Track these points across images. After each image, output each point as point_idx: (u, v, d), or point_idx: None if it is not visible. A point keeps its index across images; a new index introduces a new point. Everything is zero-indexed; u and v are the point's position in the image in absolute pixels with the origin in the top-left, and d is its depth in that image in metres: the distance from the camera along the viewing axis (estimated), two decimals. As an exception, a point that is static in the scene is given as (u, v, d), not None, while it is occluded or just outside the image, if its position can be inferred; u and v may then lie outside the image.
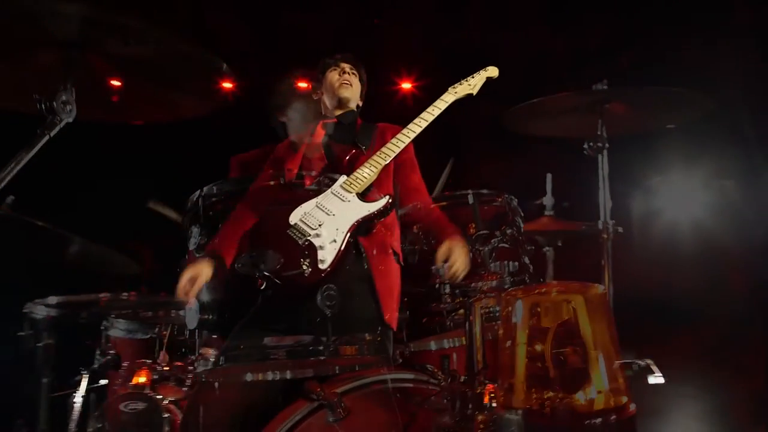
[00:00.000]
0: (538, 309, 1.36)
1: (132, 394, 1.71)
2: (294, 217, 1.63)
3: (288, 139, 2.60)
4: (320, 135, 2.30)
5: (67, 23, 1.55)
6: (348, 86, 2.27)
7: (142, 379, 1.71)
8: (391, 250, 1.86)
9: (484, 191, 1.98)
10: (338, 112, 2.26)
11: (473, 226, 1.85)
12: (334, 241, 1.61)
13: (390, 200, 1.71)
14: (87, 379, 1.84)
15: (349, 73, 2.31)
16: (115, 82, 1.80)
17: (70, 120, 1.65)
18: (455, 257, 1.75)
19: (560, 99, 2.32)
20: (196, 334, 1.61)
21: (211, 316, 1.58)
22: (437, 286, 1.67)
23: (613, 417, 1.26)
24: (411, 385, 1.98)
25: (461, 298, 1.63)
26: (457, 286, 1.64)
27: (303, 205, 1.66)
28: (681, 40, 3.20)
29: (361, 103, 2.35)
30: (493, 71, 2.14)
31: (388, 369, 1.92)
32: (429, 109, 2.02)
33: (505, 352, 1.36)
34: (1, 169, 1.51)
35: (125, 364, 2.13)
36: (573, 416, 1.27)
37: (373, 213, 1.68)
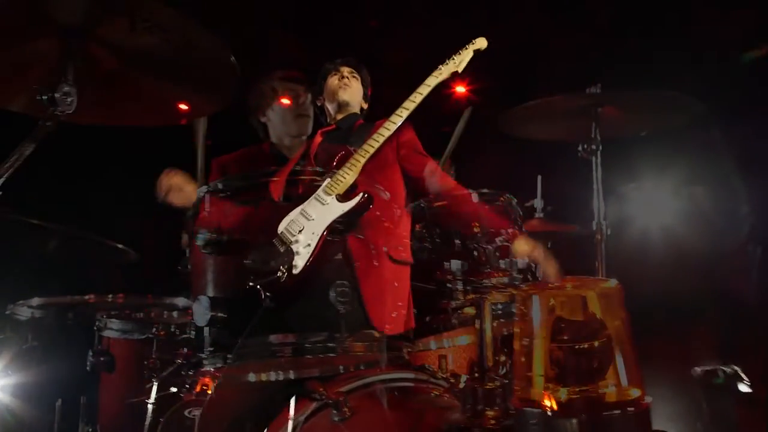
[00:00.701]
0: (554, 304, 1.37)
1: (196, 401, 1.68)
2: (281, 226, 1.64)
3: (268, 142, 2.58)
4: (317, 142, 2.29)
5: (71, 2, 1.51)
6: (347, 88, 2.25)
7: (206, 387, 1.68)
8: (384, 252, 1.85)
9: (486, 191, 1.99)
10: (340, 117, 2.24)
11: (477, 224, 1.86)
12: (309, 245, 1.61)
13: (366, 196, 1.69)
14: (157, 386, 1.79)
15: (348, 77, 2.29)
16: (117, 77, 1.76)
17: (71, 112, 1.61)
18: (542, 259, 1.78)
19: (554, 102, 2.36)
20: (205, 331, 1.58)
21: (221, 313, 1.55)
22: (449, 284, 1.68)
23: (631, 409, 1.28)
24: (412, 384, 1.98)
25: (473, 295, 1.64)
26: (469, 282, 1.65)
27: (291, 212, 1.66)
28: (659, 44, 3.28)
29: (365, 106, 2.33)
30: (480, 42, 2.05)
31: (388, 369, 1.92)
32: (411, 97, 1.94)
33: (522, 348, 1.37)
34: (4, 162, 1.46)
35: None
36: (592, 409, 1.29)
37: (347, 212, 1.66)
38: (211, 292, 1.64)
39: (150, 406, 1.77)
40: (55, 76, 1.60)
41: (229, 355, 1.57)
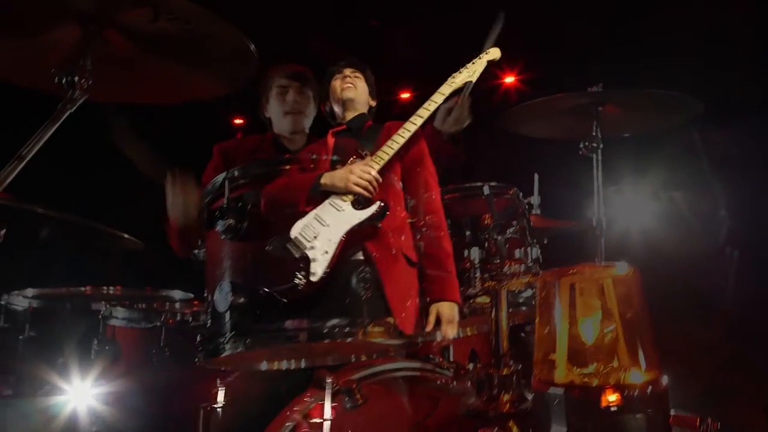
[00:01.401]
0: (575, 289, 1.42)
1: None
2: (294, 231, 1.64)
3: (271, 133, 2.56)
4: (331, 144, 2.27)
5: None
6: (351, 87, 2.24)
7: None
8: (402, 255, 1.84)
9: (494, 183, 2.03)
10: (349, 117, 2.24)
11: (489, 216, 1.91)
12: (326, 252, 1.62)
13: (382, 205, 1.72)
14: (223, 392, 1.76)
15: (351, 77, 2.29)
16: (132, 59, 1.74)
17: (89, 96, 1.60)
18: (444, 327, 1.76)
19: (556, 100, 2.41)
20: (226, 316, 1.58)
21: (242, 299, 1.55)
22: (467, 273, 1.71)
23: (650, 389, 1.33)
24: (419, 374, 2.01)
25: (491, 282, 1.67)
26: (487, 270, 1.69)
27: (304, 218, 1.67)
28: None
29: (373, 104, 2.32)
30: (494, 53, 2.13)
31: (394, 359, 1.94)
32: (426, 105, 1.99)
33: (544, 332, 1.41)
34: (25, 145, 1.45)
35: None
36: (611, 388, 1.33)
37: (364, 220, 1.69)
38: (228, 279, 1.64)
39: (219, 410, 1.75)
40: (74, 60, 1.59)
41: (248, 341, 1.58)
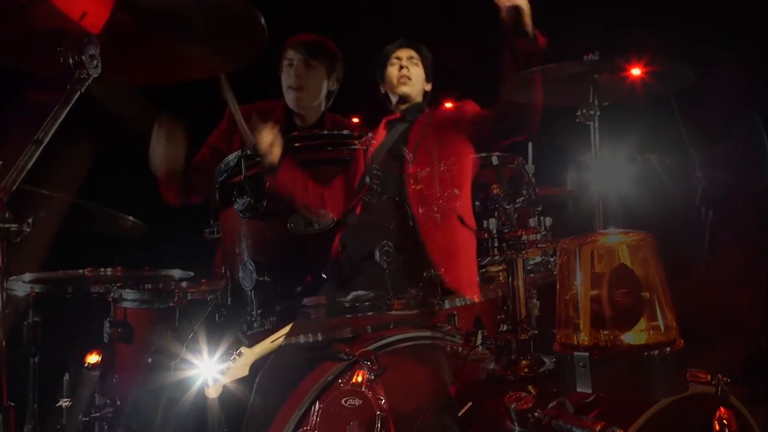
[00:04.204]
0: (594, 255, 1.47)
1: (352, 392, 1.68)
2: None
3: (283, 101, 2.50)
4: (383, 136, 2.21)
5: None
6: (407, 82, 2.20)
7: (359, 378, 1.69)
8: (455, 216, 1.84)
9: (500, 153, 2.06)
10: (403, 106, 2.22)
11: (498, 186, 1.93)
12: None
13: None
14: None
15: (407, 66, 2.22)
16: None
17: (96, 75, 1.57)
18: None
19: (552, 69, 2.43)
20: (252, 294, 1.59)
21: (266, 278, 1.56)
22: (485, 243, 1.74)
23: (668, 349, 1.40)
24: (430, 342, 2.06)
25: (509, 251, 1.71)
26: (504, 239, 1.72)
27: None
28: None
29: (428, 88, 2.29)
30: None
31: (404, 329, 1.99)
32: None
33: (566, 297, 1.46)
34: (40, 129, 1.41)
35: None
36: (633, 349, 1.40)
37: None
38: (249, 258, 1.65)
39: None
40: (79, 39, 1.55)
41: (273, 318, 1.60)
